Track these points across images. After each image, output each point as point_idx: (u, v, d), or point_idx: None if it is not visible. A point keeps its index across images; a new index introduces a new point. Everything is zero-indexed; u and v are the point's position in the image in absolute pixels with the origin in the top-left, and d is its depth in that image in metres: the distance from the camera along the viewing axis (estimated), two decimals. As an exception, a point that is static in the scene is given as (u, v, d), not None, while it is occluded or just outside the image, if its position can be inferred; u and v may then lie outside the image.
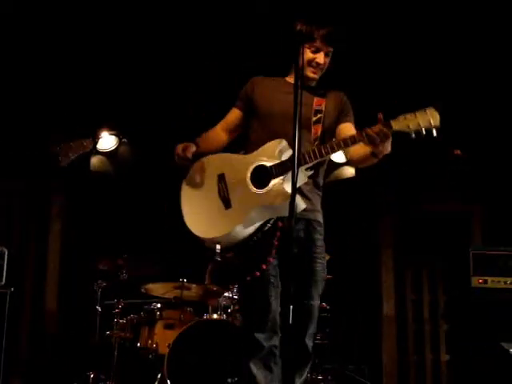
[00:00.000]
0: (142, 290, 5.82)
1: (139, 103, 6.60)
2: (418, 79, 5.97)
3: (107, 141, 7.09)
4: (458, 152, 6.86)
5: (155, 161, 7.01)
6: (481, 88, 6.09)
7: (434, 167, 7.14)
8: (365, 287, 7.39)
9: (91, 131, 6.96)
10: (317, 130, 3.51)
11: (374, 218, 7.47)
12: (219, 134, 3.76)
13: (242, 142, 3.70)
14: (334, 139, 3.47)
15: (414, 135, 3.08)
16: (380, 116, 3.13)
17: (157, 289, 5.87)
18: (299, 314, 3.30)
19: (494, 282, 5.08)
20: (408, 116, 3.10)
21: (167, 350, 5.13)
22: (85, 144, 3.61)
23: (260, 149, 3.44)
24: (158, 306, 5.76)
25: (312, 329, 3.47)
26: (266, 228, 3.37)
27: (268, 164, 3.36)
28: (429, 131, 3.08)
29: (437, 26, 5.49)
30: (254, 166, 3.39)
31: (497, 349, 4.66)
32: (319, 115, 3.54)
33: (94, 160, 7.11)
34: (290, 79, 3.66)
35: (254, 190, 3.34)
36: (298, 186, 3.17)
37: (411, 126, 3.08)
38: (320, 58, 3.54)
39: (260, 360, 3.34)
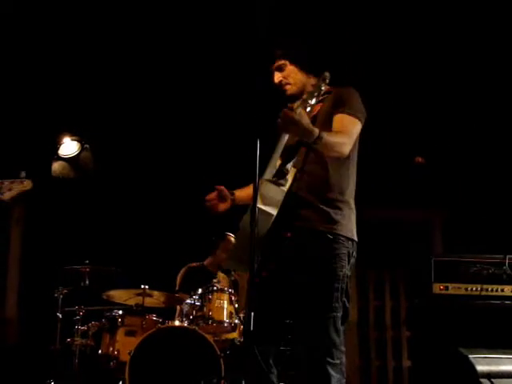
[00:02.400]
0: (104, 297, 5.77)
1: (102, 109, 6.56)
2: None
3: (69, 146, 7.05)
4: (420, 159, 6.92)
5: (117, 166, 6.99)
6: (442, 95, 6.17)
7: (394, 174, 7.19)
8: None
9: (53, 136, 6.95)
10: None
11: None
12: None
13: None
14: None
15: None
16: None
17: (118, 295, 5.82)
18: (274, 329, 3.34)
19: (454, 288, 5.11)
20: None
21: (128, 358, 5.09)
22: (25, 183, 3.59)
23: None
24: (120, 312, 5.71)
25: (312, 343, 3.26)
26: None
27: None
28: None
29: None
30: None
31: (456, 355, 4.69)
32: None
33: (56, 165, 7.05)
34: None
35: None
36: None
37: None
38: (274, 77, 3.53)
39: (252, 369, 3.25)
